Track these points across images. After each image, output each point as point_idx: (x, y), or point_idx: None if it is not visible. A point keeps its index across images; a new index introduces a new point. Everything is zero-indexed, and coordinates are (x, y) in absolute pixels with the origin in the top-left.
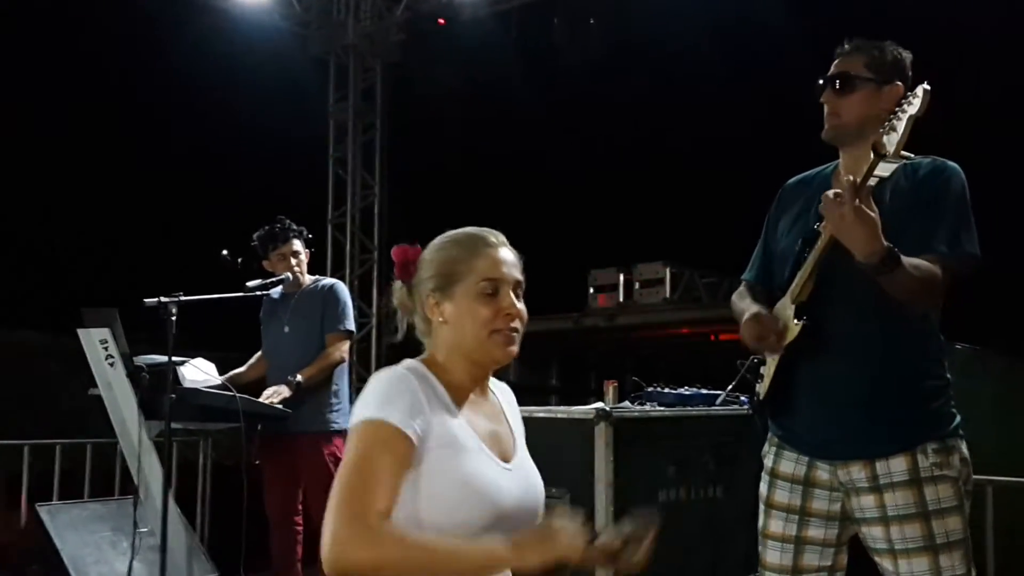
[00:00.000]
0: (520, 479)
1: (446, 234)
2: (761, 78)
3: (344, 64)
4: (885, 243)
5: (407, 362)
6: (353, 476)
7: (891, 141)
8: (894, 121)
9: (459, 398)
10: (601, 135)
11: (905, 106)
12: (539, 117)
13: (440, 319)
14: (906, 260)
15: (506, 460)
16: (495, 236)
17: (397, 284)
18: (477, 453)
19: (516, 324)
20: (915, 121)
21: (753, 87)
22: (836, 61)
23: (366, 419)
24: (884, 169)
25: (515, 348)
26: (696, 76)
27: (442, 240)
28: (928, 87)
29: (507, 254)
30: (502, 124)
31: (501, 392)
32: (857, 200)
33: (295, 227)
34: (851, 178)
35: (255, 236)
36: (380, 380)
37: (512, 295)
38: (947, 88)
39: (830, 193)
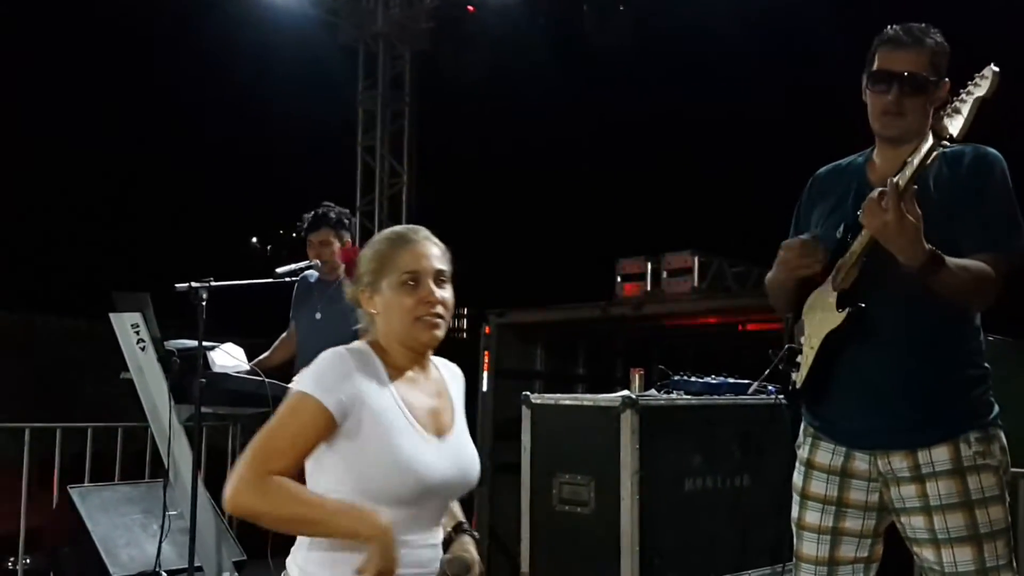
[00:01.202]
0: (451, 454)
1: (378, 234)
2: (793, 64)
3: (373, 52)
4: (927, 247)
5: (356, 343)
6: (265, 435)
7: (955, 125)
8: (958, 104)
9: (397, 378)
10: (630, 123)
11: (971, 87)
12: (568, 105)
13: (374, 310)
14: (951, 262)
15: (441, 435)
16: (416, 232)
17: (347, 283)
18: (406, 429)
19: (438, 310)
20: (981, 103)
21: (784, 73)
22: (895, 53)
23: (296, 390)
24: (916, 155)
25: (440, 332)
26: (727, 63)
27: (372, 240)
28: (997, 68)
29: (428, 248)
30: (531, 112)
31: (449, 371)
32: (901, 205)
33: (332, 216)
34: (896, 181)
35: (301, 217)
36: (321, 358)
37: (433, 284)
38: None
39: (875, 194)
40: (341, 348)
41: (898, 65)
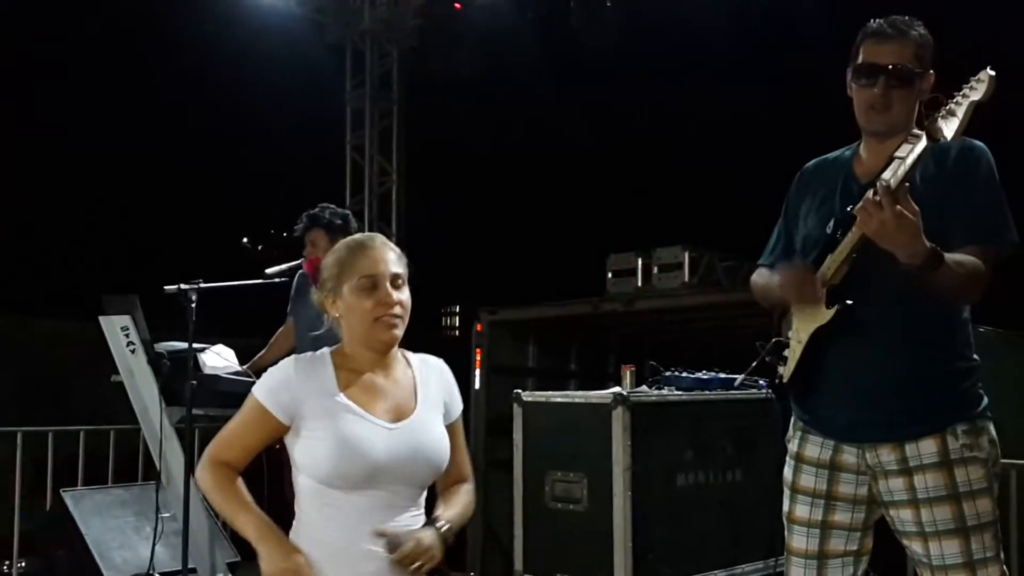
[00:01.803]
0: (406, 437)
1: (339, 242)
2: (781, 57)
3: (360, 50)
4: (928, 244)
5: (319, 351)
6: (230, 427)
7: (949, 127)
8: (953, 106)
9: (351, 377)
10: (618, 118)
11: (967, 91)
12: (557, 101)
13: (337, 314)
14: (949, 257)
15: (398, 421)
16: (373, 239)
17: (314, 290)
18: (352, 419)
19: (396, 311)
20: (976, 107)
21: (773, 67)
22: (880, 46)
23: (253, 393)
24: (904, 150)
25: (398, 331)
26: (715, 57)
27: (334, 248)
28: (993, 72)
29: (384, 252)
30: (520, 108)
31: (426, 366)
32: (896, 204)
33: (327, 216)
34: (887, 183)
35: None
36: (277, 366)
37: (390, 287)
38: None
39: (870, 195)
40: (294, 356)
41: (883, 58)
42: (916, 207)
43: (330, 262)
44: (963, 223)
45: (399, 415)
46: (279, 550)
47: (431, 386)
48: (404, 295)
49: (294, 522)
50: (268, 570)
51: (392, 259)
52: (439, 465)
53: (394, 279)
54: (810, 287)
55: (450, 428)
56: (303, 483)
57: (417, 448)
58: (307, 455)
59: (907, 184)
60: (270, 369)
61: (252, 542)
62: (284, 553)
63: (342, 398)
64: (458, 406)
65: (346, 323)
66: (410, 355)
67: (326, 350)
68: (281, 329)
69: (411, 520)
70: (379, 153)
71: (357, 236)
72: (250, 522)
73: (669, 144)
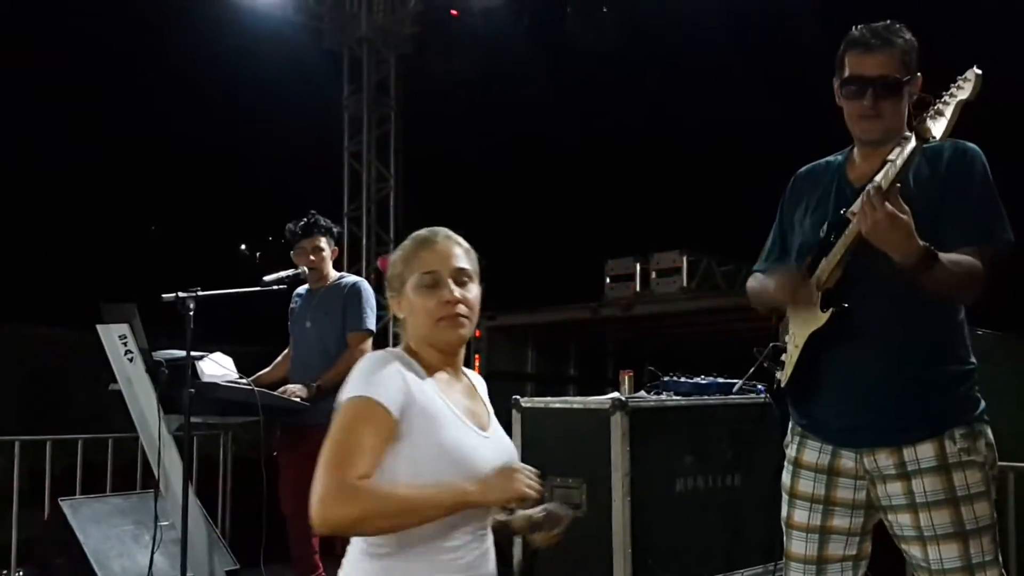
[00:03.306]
0: (497, 447)
1: (407, 238)
2: (776, 63)
3: (358, 57)
4: (921, 243)
5: (389, 349)
6: (337, 445)
7: (938, 127)
8: (940, 106)
9: (434, 377)
10: (615, 123)
11: (954, 90)
12: (554, 106)
13: (401, 314)
14: (944, 257)
15: (484, 430)
16: (437, 233)
17: (389, 290)
18: (456, 423)
19: (461, 309)
20: (964, 106)
21: (768, 72)
22: (865, 57)
23: (351, 396)
24: (896, 154)
25: (465, 331)
26: (711, 62)
27: (401, 244)
28: (980, 71)
29: (448, 247)
30: (517, 114)
31: (476, 379)
32: (887, 204)
33: (322, 223)
34: (878, 184)
35: (286, 228)
36: (366, 361)
37: (453, 284)
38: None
39: (864, 196)
40: (381, 351)
41: (869, 69)
42: (907, 207)
43: (396, 259)
44: (959, 224)
45: (480, 422)
46: (483, 485)
47: (486, 397)
48: (471, 292)
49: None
50: (497, 496)
51: (457, 253)
52: None
53: (458, 275)
54: (804, 290)
55: None
56: None
57: (508, 461)
58: (403, 460)
59: (898, 185)
60: (364, 368)
61: (457, 508)
62: (491, 482)
63: (441, 398)
64: None
65: (410, 323)
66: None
67: (395, 348)
68: (287, 350)
69: (485, 532)
70: (377, 159)
71: (422, 230)
72: (434, 495)
73: (667, 149)
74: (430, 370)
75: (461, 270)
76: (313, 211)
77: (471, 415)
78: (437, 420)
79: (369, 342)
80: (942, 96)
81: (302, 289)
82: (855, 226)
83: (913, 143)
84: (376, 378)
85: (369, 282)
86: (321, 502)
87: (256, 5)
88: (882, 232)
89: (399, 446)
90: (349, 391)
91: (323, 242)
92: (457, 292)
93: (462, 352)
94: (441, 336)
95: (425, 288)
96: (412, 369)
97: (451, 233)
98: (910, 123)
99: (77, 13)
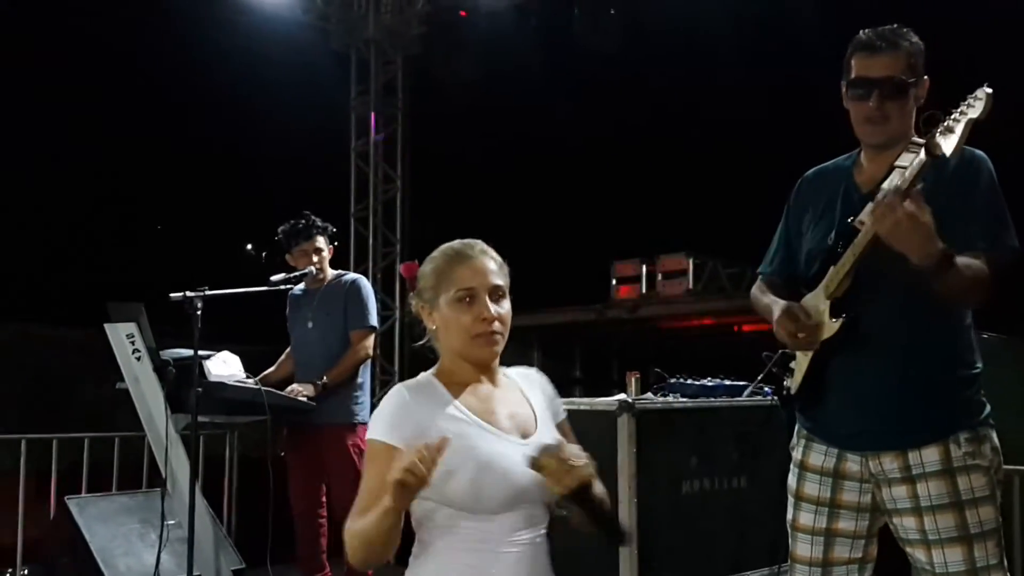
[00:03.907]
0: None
1: (439, 247)
2: (782, 65)
3: (365, 58)
4: (940, 245)
5: (418, 377)
6: (360, 492)
7: (948, 144)
8: (951, 123)
9: (464, 393)
10: (622, 126)
11: (965, 108)
12: (560, 108)
13: (434, 326)
14: (959, 260)
15: (526, 436)
16: (473, 247)
17: (411, 295)
18: (483, 435)
19: (496, 327)
20: (974, 124)
21: (774, 75)
22: (871, 59)
23: (368, 439)
24: (905, 160)
25: (498, 348)
26: (717, 65)
27: (433, 254)
28: (990, 90)
29: (484, 263)
30: (524, 116)
31: (526, 379)
32: (909, 204)
33: (319, 223)
34: (897, 185)
35: (279, 231)
36: (383, 400)
37: (489, 300)
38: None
39: (881, 197)
40: (400, 386)
41: (876, 71)
42: (928, 207)
43: (428, 271)
44: (964, 230)
45: (524, 428)
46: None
47: (537, 394)
48: (504, 308)
49: (415, 549)
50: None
51: (493, 269)
52: None
53: (494, 291)
54: (808, 340)
55: (560, 430)
56: (426, 508)
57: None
58: (440, 482)
59: (919, 186)
60: (380, 408)
61: (392, 505)
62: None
63: (468, 414)
64: (562, 407)
65: (443, 337)
66: (505, 369)
67: (426, 374)
68: (289, 348)
69: (541, 537)
70: (383, 160)
71: (456, 243)
72: (380, 507)
73: (673, 151)
74: (463, 386)
75: (497, 287)
76: (307, 212)
77: (512, 422)
78: (467, 439)
79: (372, 339)
80: (952, 113)
81: (297, 290)
82: (864, 235)
83: (923, 157)
84: (380, 419)
85: (374, 282)
86: (346, 543)
87: (263, 6)
88: (903, 233)
89: (436, 476)
90: (371, 430)
91: (322, 242)
92: (493, 309)
93: (497, 359)
94: (475, 352)
95: (461, 304)
96: (430, 393)
97: (486, 247)
98: (917, 127)
99: (79, 13)
